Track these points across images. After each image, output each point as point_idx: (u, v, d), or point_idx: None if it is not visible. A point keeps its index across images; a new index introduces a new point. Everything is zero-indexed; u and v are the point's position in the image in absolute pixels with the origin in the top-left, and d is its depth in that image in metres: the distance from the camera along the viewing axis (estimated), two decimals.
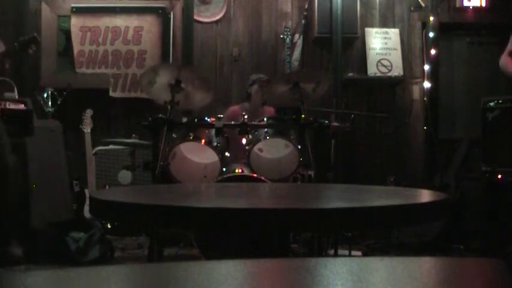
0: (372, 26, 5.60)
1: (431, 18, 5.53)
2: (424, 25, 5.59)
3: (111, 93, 5.39)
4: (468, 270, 0.88)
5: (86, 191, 4.31)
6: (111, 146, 5.03)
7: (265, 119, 3.70)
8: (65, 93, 5.00)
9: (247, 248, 1.64)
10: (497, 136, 4.17)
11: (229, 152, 3.79)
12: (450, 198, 4.15)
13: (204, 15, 5.58)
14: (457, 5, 5.62)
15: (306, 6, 5.52)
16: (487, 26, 5.74)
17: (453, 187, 4.62)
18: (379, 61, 5.49)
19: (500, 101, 4.18)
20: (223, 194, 2.22)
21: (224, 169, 3.65)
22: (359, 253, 4.20)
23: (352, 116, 4.29)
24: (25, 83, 5.09)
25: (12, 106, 3.74)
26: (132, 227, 4.65)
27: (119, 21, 5.46)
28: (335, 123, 4.22)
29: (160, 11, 5.50)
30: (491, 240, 4.08)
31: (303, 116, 3.49)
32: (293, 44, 5.44)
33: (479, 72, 5.74)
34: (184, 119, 3.81)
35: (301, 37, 5.49)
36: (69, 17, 5.43)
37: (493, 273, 0.84)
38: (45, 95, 4.97)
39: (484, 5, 5.60)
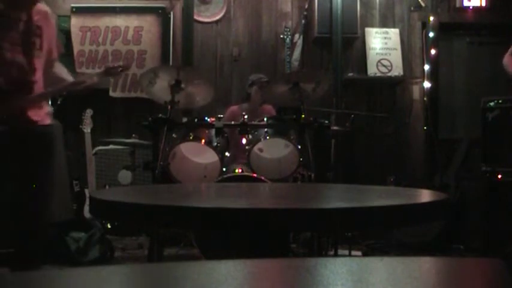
0: (372, 26, 5.60)
1: (431, 18, 5.53)
2: (424, 25, 5.59)
3: (111, 93, 5.39)
4: (468, 270, 0.88)
5: (86, 191, 4.31)
6: (111, 146, 5.02)
7: (265, 119, 3.70)
8: (65, 93, 4.99)
9: (247, 248, 1.64)
10: (497, 136, 4.17)
11: (229, 152, 3.79)
12: (450, 198, 4.15)
13: (204, 15, 5.58)
14: (457, 5, 5.62)
15: (306, 6, 5.52)
16: (487, 26, 5.74)
17: (453, 187, 4.62)
18: (379, 61, 5.49)
19: (500, 101, 4.18)
20: (223, 194, 2.22)
21: (224, 169, 3.64)
22: (359, 253, 4.20)
23: (352, 116, 4.29)
24: None
25: None
26: (132, 227, 4.65)
27: (119, 21, 5.46)
28: (335, 127, 4.22)
29: (160, 11, 5.50)
30: (491, 240, 4.08)
31: (303, 116, 3.49)
32: (293, 44, 5.44)
33: (479, 72, 5.73)
34: (184, 119, 3.81)
35: (301, 37, 5.49)
36: (69, 17, 5.43)
37: (493, 273, 0.84)
38: None
39: (484, 5, 5.60)
